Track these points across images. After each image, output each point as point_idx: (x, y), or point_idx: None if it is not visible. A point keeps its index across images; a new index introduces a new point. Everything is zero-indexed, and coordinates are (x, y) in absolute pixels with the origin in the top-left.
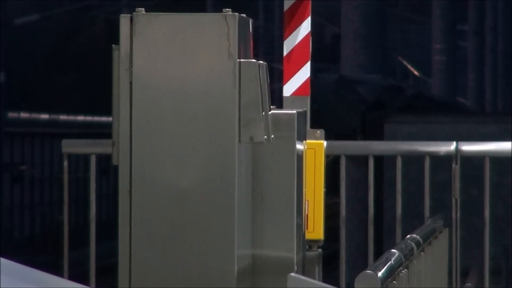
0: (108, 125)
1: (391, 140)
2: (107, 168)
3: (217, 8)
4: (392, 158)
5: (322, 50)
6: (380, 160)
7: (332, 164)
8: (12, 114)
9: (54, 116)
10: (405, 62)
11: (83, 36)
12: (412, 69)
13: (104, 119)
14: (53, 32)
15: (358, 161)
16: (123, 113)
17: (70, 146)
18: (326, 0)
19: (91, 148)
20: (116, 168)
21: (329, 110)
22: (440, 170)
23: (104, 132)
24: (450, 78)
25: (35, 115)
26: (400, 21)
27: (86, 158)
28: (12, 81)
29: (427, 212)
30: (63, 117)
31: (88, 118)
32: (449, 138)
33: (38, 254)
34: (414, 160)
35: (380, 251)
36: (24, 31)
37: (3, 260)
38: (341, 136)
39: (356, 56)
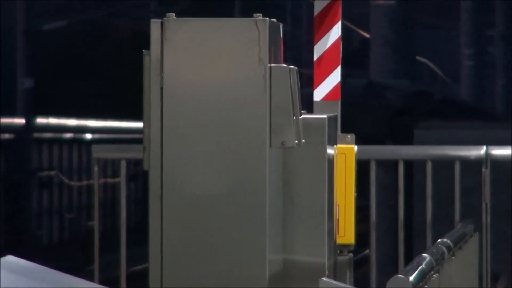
0: (136, 131)
1: (421, 145)
2: (136, 174)
3: (245, 13)
4: (421, 163)
5: (350, 56)
6: (409, 165)
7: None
8: (40, 120)
9: (82, 122)
10: (433, 68)
11: (110, 42)
12: (440, 74)
13: (131, 125)
14: (79, 38)
15: (387, 166)
16: (154, 118)
17: (100, 152)
18: (355, 5)
19: (120, 153)
20: (145, 174)
21: (357, 115)
22: (470, 175)
23: (132, 138)
24: (478, 83)
25: (63, 121)
26: (428, 26)
27: (114, 163)
28: (39, 87)
29: (457, 217)
30: (90, 122)
31: (115, 124)
32: (478, 143)
33: (66, 259)
34: (442, 165)
35: (410, 256)
36: (51, 37)
37: (35, 265)
38: (370, 142)
39: (384, 62)
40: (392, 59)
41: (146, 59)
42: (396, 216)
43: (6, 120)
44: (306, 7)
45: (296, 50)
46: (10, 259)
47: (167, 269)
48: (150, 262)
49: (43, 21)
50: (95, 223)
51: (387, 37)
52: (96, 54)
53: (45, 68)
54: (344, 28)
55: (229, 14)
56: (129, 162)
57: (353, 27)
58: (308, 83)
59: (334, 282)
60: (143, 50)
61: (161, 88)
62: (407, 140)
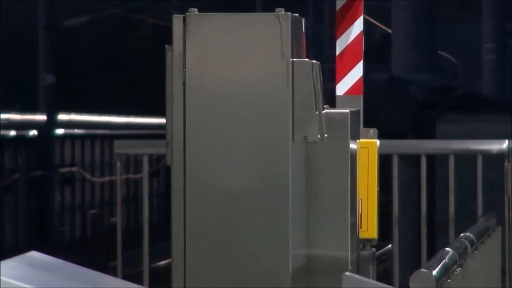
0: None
1: (443, 139)
2: (158, 169)
3: (266, 8)
4: (443, 157)
5: (372, 50)
6: (431, 159)
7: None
8: (62, 116)
9: (104, 118)
10: (455, 62)
11: (131, 38)
12: (462, 68)
13: (153, 120)
14: (101, 34)
15: (409, 160)
16: (176, 113)
17: (122, 147)
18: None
19: (143, 149)
20: (167, 169)
21: (379, 110)
22: (492, 169)
23: (154, 133)
24: (500, 77)
25: (85, 117)
26: (449, 20)
27: (136, 159)
28: (61, 83)
29: (479, 211)
30: (112, 118)
31: (137, 120)
32: (500, 137)
33: (89, 255)
34: (465, 159)
35: (433, 251)
36: (73, 33)
37: (59, 260)
38: (392, 136)
39: (406, 56)
40: (414, 53)
41: (168, 54)
42: (419, 210)
43: (28, 117)
44: (328, 2)
45: (318, 45)
46: (34, 254)
47: (190, 265)
48: (173, 258)
49: (65, 18)
50: (118, 219)
51: (409, 32)
52: (118, 50)
53: (67, 64)
54: (365, 23)
55: (250, 9)
56: (151, 157)
57: (374, 22)
58: (330, 78)
59: (357, 276)
60: (166, 45)
61: (184, 83)
62: (429, 134)
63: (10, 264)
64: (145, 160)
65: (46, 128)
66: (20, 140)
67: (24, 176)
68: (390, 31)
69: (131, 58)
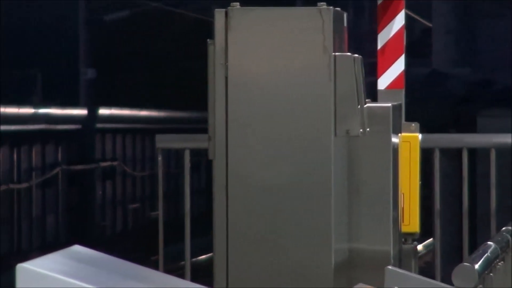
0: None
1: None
2: (199, 163)
3: (306, 3)
4: (484, 151)
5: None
6: (472, 153)
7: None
8: (103, 110)
9: (145, 112)
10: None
11: (171, 32)
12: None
13: (192, 115)
14: (141, 28)
15: (450, 154)
16: (219, 108)
17: (164, 142)
18: None
19: (184, 143)
20: (208, 163)
21: (420, 104)
22: None
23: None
24: None
25: (126, 111)
26: (489, 15)
27: (177, 153)
28: (101, 78)
29: None
30: (153, 113)
31: (176, 114)
32: None
33: (130, 250)
34: (506, 153)
35: (474, 245)
36: (113, 27)
37: (103, 254)
38: (433, 130)
39: (447, 50)
40: (454, 47)
41: (210, 48)
42: (460, 204)
43: (69, 111)
44: None
45: (358, 39)
46: (77, 248)
47: (232, 259)
48: (215, 252)
49: (105, 12)
50: (160, 213)
51: (449, 26)
52: (158, 44)
53: (107, 58)
54: (406, 18)
55: (291, 3)
56: (193, 152)
57: (415, 16)
58: (370, 72)
59: (399, 270)
60: (208, 40)
61: (226, 78)
62: (470, 128)
63: (54, 258)
64: (187, 154)
65: (86, 123)
66: (61, 134)
67: (65, 170)
68: (430, 25)
69: (171, 52)
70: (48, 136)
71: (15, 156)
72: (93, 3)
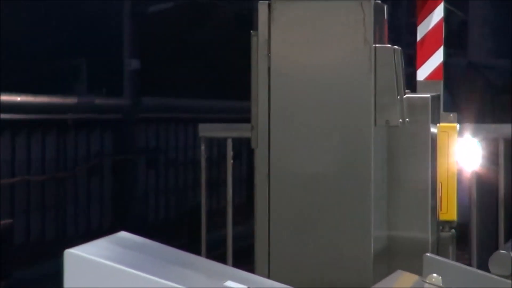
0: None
1: None
2: (240, 152)
3: None
4: None
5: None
6: (509, 143)
7: None
8: (146, 100)
9: (188, 102)
10: None
11: (211, 24)
12: None
13: (234, 104)
14: (184, 19)
15: (487, 144)
16: (261, 97)
17: (206, 131)
18: None
19: (227, 132)
20: (250, 152)
21: (458, 95)
22: None
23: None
24: None
25: (168, 101)
26: None
27: (219, 142)
28: (145, 68)
29: None
30: (195, 102)
31: (217, 103)
32: None
33: (172, 238)
34: None
35: (510, 233)
36: (157, 19)
37: (148, 241)
38: (471, 120)
39: (484, 42)
40: (491, 39)
41: (253, 39)
42: (496, 193)
43: (113, 101)
44: None
45: (397, 31)
46: (123, 235)
47: (274, 247)
48: (256, 240)
49: (148, 4)
50: (202, 200)
51: (486, 18)
52: (200, 35)
53: (151, 49)
54: (445, 10)
55: None
56: (235, 141)
57: (452, 8)
58: (408, 63)
59: (437, 257)
60: (251, 31)
61: (269, 68)
62: (507, 119)
63: (101, 244)
64: (229, 143)
65: (130, 112)
66: (106, 124)
67: (109, 159)
68: (467, 17)
69: (211, 43)
70: (92, 125)
71: (59, 144)
72: None
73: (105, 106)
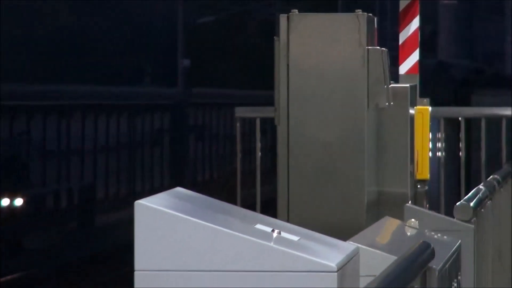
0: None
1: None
2: (266, 129)
3: (344, 8)
4: (477, 120)
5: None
6: (468, 122)
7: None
8: (195, 89)
9: (226, 91)
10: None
11: (245, 33)
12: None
13: (260, 92)
14: (225, 29)
15: (451, 122)
16: (282, 87)
17: (241, 112)
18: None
19: (256, 113)
20: (274, 128)
21: (430, 86)
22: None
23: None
24: None
25: (212, 90)
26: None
27: (250, 121)
28: (194, 66)
29: (503, 160)
30: (233, 91)
31: (248, 92)
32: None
33: (215, 192)
34: (493, 122)
35: (469, 189)
36: (203, 28)
37: (201, 195)
38: (439, 104)
39: (449, 46)
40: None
41: (276, 43)
42: (459, 160)
43: (170, 91)
44: (391, 4)
45: (383, 37)
46: (179, 190)
47: (292, 199)
48: (278, 193)
49: (197, 17)
50: (237, 165)
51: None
52: (237, 40)
53: (198, 51)
54: (420, 21)
55: (334, 9)
56: (262, 120)
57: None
58: (392, 62)
59: (415, 207)
60: (274, 37)
61: (288, 65)
62: (467, 104)
63: (162, 197)
64: (258, 121)
65: (183, 99)
66: (165, 107)
67: (167, 134)
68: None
69: (245, 47)
70: (154, 108)
71: (129, 123)
72: (188, 8)
73: (164, 94)
